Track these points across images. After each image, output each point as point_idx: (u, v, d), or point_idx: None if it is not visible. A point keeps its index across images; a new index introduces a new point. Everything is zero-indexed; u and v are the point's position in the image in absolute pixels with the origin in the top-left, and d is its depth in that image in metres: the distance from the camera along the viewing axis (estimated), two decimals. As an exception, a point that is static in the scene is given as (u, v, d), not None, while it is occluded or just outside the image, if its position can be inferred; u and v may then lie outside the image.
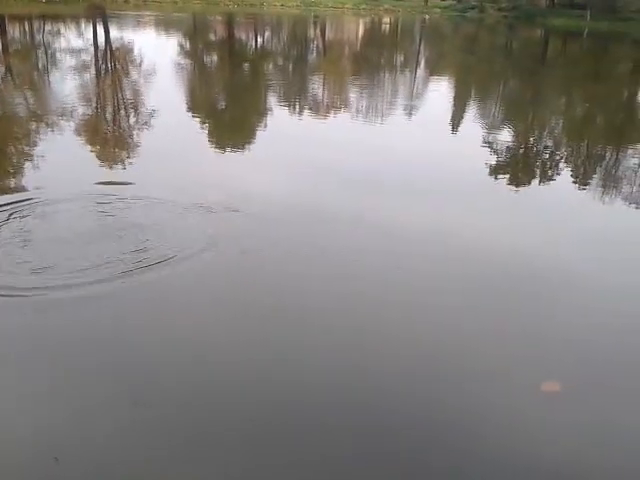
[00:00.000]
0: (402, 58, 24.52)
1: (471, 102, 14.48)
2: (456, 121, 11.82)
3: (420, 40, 33.57)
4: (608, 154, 9.71)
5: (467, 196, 6.71)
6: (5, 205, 5.45)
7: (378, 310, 4.18)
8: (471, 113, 12.78)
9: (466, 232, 5.62)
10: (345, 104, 12.81)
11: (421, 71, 20.47)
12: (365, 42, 31.33)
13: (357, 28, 39.95)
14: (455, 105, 13.72)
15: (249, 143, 8.95)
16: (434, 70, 20.88)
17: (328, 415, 3.14)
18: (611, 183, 7.92)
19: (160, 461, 2.81)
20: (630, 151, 9.71)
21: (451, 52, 27.55)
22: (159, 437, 2.95)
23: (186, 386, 3.31)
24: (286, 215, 5.77)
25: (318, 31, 35.17)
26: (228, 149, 8.52)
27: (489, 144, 9.53)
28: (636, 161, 8.93)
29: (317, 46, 27.15)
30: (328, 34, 34.30)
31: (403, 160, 8.10)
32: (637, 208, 6.80)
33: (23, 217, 5.22)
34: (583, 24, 40.94)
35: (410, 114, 11.97)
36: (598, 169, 8.71)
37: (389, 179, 7.17)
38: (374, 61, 22.67)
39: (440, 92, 15.44)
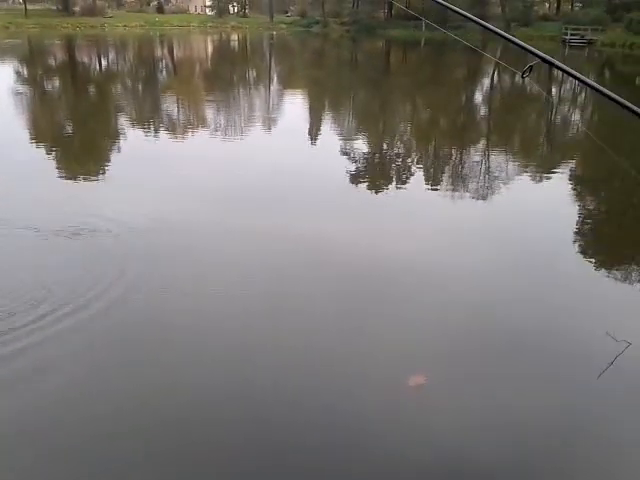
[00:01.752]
0: (254, 74, 24.76)
1: (325, 113, 14.93)
2: (314, 132, 12.11)
3: (270, 56, 34.11)
4: (453, 153, 10.44)
5: (328, 202, 6.91)
6: None
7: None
8: (327, 124, 13.17)
9: (326, 233, 5.79)
10: (202, 121, 12.68)
11: (274, 86, 20.79)
12: (216, 59, 31.28)
13: (206, 46, 39.79)
14: (311, 117, 14.06)
15: (103, 167, 8.56)
16: (287, 84, 21.26)
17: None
18: (457, 180, 8.51)
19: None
20: (471, 149, 10.51)
21: (301, 66, 28.23)
22: None
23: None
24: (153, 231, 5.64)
25: (166, 50, 34.55)
26: (81, 175, 8.07)
27: (346, 153, 9.87)
28: (477, 158, 9.69)
29: (166, 65, 26.66)
30: (177, 53, 33.83)
31: (265, 172, 8.15)
32: (481, 204, 7.37)
33: None
34: (419, 34, 43.74)
35: (268, 128, 12.08)
36: (445, 167, 9.35)
37: (252, 191, 7.20)
38: (227, 78, 22.66)
39: (295, 105, 15.75)
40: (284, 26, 56.04)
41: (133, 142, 10.26)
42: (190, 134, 11.25)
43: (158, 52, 33.45)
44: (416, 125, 13.58)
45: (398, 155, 10.17)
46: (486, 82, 22.99)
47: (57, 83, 19.81)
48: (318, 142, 11.05)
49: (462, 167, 9.29)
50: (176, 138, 10.86)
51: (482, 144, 11.12)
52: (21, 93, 16.40)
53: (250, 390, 3.47)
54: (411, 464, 2.98)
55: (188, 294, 4.55)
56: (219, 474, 2.93)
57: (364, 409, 3.32)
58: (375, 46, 42.28)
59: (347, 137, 11.45)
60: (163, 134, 11.11)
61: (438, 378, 3.65)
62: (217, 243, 5.62)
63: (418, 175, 8.73)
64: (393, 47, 40.99)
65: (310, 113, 14.69)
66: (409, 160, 9.75)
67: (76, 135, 11.18)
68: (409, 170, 9.05)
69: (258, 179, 7.82)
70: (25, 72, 21.91)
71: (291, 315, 4.36)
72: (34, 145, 10.06)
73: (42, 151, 9.59)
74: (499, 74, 23.57)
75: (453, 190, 7.88)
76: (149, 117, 13.22)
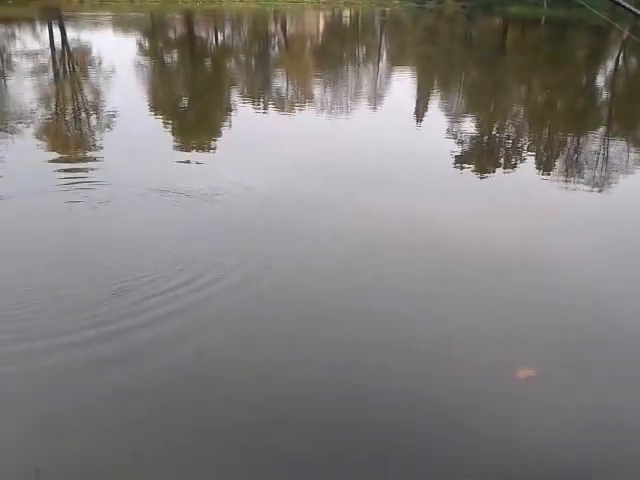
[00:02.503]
0: (364, 50, 24.58)
1: (434, 93, 14.60)
2: (421, 111, 11.92)
3: (381, 32, 33.69)
4: (569, 139, 9.90)
5: (433, 184, 6.80)
6: None
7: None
8: (435, 103, 12.89)
9: (430, 214, 5.72)
10: (309, 98, 12.80)
11: (383, 63, 20.56)
12: (326, 35, 31.32)
13: (318, 22, 39.89)
14: (419, 95, 13.82)
15: (214, 141, 8.90)
16: (396, 61, 20.98)
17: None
18: (574, 169, 8.08)
19: None
20: (591, 135, 9.92)
21: (411, 43, 27.70)
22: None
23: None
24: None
25: (279, 26, 35.03)
26: (194, 148, 8.42)
27: (454, 134, 9.63)
28: (596, 145, 9.13)
29: (278, 41, 27.06)
30: (289, 29, 34.19)
31: (370, 151, 8.13)
32: (597, 192, 6.96)
33: None
34: (540, 11, 41.53)
35: (375, 106, 12.03)
36: (560, 153, 8.89)
37: (357, 170, 7.21)
38: (336, 54, 22.67)
39: (403, 83, 15.51)
40: (397, 2, 55.00)
41: (243, 116, 10.53)
42: (297, 110, 11.42)
43: (271, 27, 33.97)
44: (530, 107, 12.99)
45: (508, 138, 9.79)
46: (610, 64, 21.50)
47: (175, 56, 20.67)
48: (425, 122, 10.88)
49: (578, 154, 8.80)
50: (284, 114, 11.07)
51: (602, 130, 10.46)
52: (142, 65, 17.27)
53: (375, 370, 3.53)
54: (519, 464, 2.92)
55: (309, 269, 4.68)
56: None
57: (470, 400, 3.29)
58: (491, 23, 40.62)
59: (455, 117, 11.16)
60: (272, 110, 11.34)
61: (548, 371, 3.54)
62: (323, 220, 5.65)
63: (529, 160, 8.36)
64: (511, 25, 39.18)
65: (418, 91, 14.43)
66: (520, 144, 9.36)
67: (191, 108, 11.67)
68: (519, 154, 8.69)
69: (363, 158, 7.82)
70: (146, 45, 22.99)
71: (395, 297, 4.34)
72: (152, 116, 10.62)
73: (159, 122, 10.11)
74: (625, 57, 21.99)
75: (566, 178, 7.50)
76: (259, 92, 13.53)
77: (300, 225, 5.51)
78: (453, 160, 7.98)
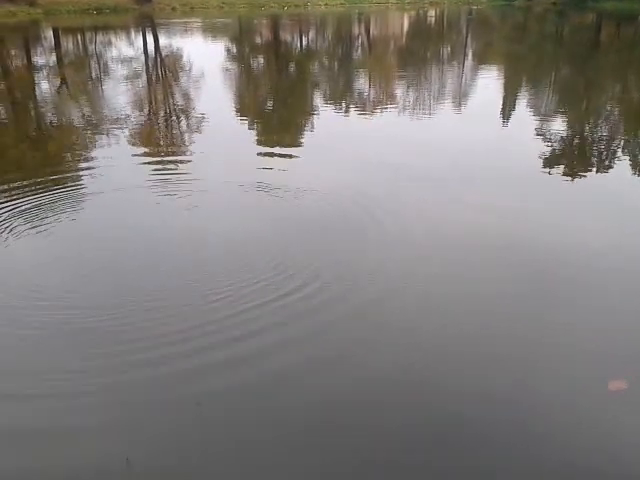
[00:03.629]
0: (449, 49, 24.18)
1: (523, 92, 14.15)
2: (507, 110, 11.59)
3: (467, 31, 33.04)
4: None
5: (518, 187, 6.60)
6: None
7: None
8: (522, 102, 12.49)
9: (513, 217, 5.55)
10: (391, 99, 12.73)
11: (469, 62, 20.14)
12: (410, 36, 31.06)
13: (402, 23, 39.64)
14: (505, 94, 13.45)
15: (298, 141, 9.03)
16: (482, 60, 20.49)
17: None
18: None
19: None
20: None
21: (500, 42, 26.98)
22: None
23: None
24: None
25: (362, 28, 35.07)
26: (278, 147, 8.58)
27: (542, 134, 9.30)
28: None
29: (362, 43, 27.08)
30: (373, 30, 34.16)
31: (453, 151, 8.00)
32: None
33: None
34: (637, 7, 39.39)
35: (459, 105, 11.81)
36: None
37: (440, 170, 7.11)
38: (420, 54, 22.46)
39: (489, 82, 15.13)
40: (484, 0, 53.82)
41: (326, 119, 10.62)
42: (380, 111, 11.40)
43: (355, 30, 34.06)
44: (626, 107, 12.34)
45: (601, 139, 9.34)
46: None
47: (261, 60, 21.14)
48: (511, 121, 10.57)
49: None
50: (366, 115, 11.07)
51: None
52: (229, 69, 17.79)
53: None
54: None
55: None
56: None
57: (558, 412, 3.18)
58: (584, 20, 38.90)
59: (544, 117, 10.76)
60: (354, 111, 11.39)
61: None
62: (405, 222, 5.60)
63: (623, 162, 7.94)
64: (605, 22, 37.38)
65: (505, 90, 14.04)
66: (613, 145, 8.91)
67: (276, 111, 11.91)
68: (613, 156, 8.28)
69: (447, 158, 7.71)
70: (234, 50, 23.64)
71: (475, 302, 4.25)
72: (238, 118, 10.93)
73: (245, 124, 10.39)
74: None
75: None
76: (342, 94, 13.60)
77: (402, 227, 5.47)
78: (542, 161, 7.71)
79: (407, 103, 12.19)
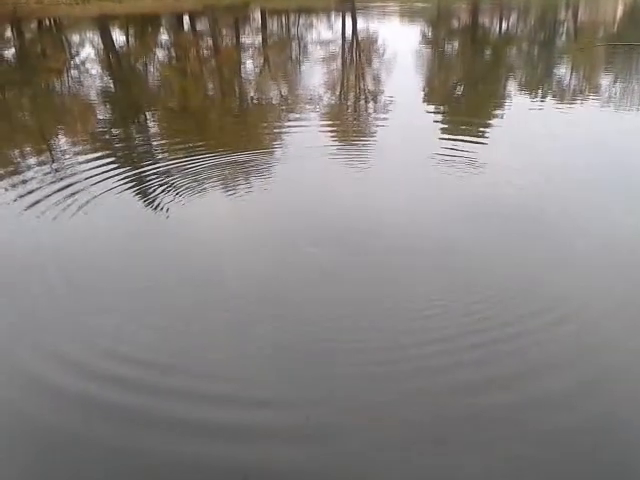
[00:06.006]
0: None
1: None
2: None
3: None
4: None
5: None
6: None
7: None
8: None
9: None
10: (596, 91, 11.81)
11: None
12: (624, 22, 28.34)
13: (615, 8, 36.25)
14: None
15: (484, 131, 8.82)
16: None
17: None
18: None
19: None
20: None
21: None
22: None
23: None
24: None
25: (570, 14, 32.72)
26: (464, 136, 8.45)
27: None
28: None
29: (567, 29, 25.31)
30: (581, 16, 31.71)
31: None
32: None
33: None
34: None
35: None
36: None
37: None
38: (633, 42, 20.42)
39: None
40: None
41: (516, 109, 10.19)
42: (579, 103, 10.66)
43: (561, 15, 31.90)
44: None
45: None
46: None
47: (456, 44, 20.73)
48: None
49: None
50: (563, 106, 10.42)
51: None
52: (423, 53, 17.71)
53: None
54: None
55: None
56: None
57: None
58: None
59: None
60: (550, 101, 10.78)
61: None
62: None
63: None
64: None
65: None
66: None
67: (465, 97, 11.69)
68: None
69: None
70: (429, 34, 23.43)
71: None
72: (426, 104, 10.91)
73: (431, 109, 10.35)
74: None
75: None
76: (538, 82, 12.91)
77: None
78: None
79: (612, 96, 11.23)
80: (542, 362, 3.39)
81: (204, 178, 6.41)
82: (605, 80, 12.96)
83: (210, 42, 21.07)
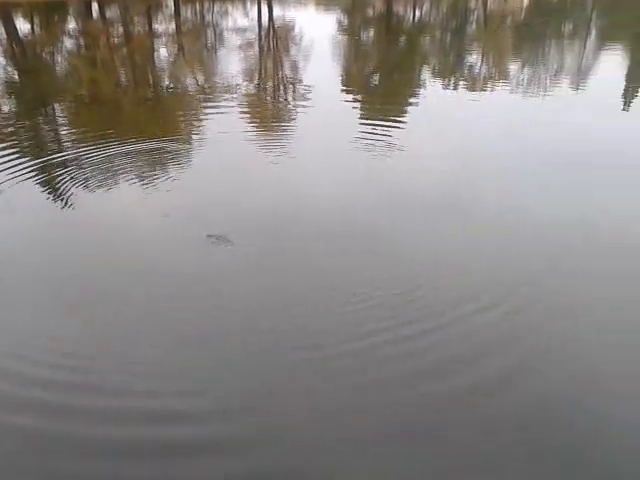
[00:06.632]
0: (571, 27, 22.78)
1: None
2: (629, 95, 10.83)
3: (593, 7, 30.92)
4: None
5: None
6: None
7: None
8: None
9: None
10: (505, 77, 12.23)
11: (592, 41, 18.91)
12: (531, 11, 29.53)
13: (522, -3, 37.65)
14: (629, 77, 12.55)
15: (400, 119, 8.95)
16: (607, 39, 19.16)
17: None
18: None
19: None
20: None
21: (630, 19, 25.06)
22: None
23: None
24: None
25: (480, 2, 33.72)
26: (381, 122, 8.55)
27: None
28: None
29: (477, 17, 26.10)
30: (490, 4, 32.76)
31: (563, 136, 7.61)
32: None
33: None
34: None
35: (576, 87, 11.17)
36: None
37: (545, 155, 6.81)
38: (538, 31, 21.31)
39: (613, 63, 14.15)
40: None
41: (431, 95, 10.41)
42: (490, 89, 11.01)
43: (472, 4, 32.84)
44: None
45: None
46: None
47: (372, 33, 20.95)
48: (634, 104, 9.86)
49: None
50: (475, 93, 10.73)
51: None
52: (340, 41, 17.78)
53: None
54: None
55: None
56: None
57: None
58: None
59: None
60: (462, 88, 11.07)
61: None
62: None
63: None
64: None
65: (629, 72, 13.09)
66: None
67: (381, 84, 11.82)
68: None
69: (557, 140, 7.36)
70: (345, 21, 23.57)
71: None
72: (345, 91, 10.95)
73: (349, 97, 10.40)
74: None
75: None
76: (450, 70, 13.24)
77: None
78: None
79: (520, 81, 11.67)
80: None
81: (115, 166, 6.18)
82: (514, 66, 13.46)
83: (121, 30, 20.32)
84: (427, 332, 3.54)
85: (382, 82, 11.98)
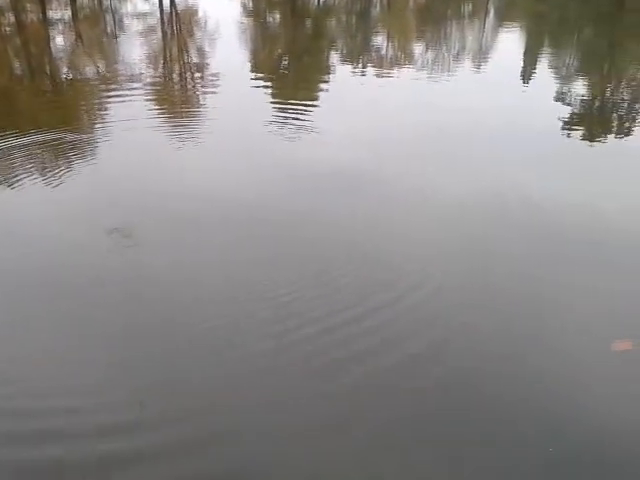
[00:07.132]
0: (470, 7, 23.49)
1: (543, 51, 13.79)
2: (528, 72, 11.34)
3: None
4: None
5: (535, 150, 6.51)
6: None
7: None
8: (544, 63, 12.19)
9: (530, 184, 5.49)
10: (411, 58, 12.47)
11: (490, 20, 19.59)
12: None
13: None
14: (527, 56, 13.13)
15: (312, 101, 8.94)
16: (505, 19, 19.93)
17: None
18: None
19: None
20: None
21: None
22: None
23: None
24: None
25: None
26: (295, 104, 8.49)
27: (562, 96, 9.12)
28: None
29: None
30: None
31: (469, 114, 7.86)
32: None
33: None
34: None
35: (478, 66, 11.56)
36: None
37: (452, 133, 7.02)
38: (440, 12, 21.83)
39: (511, 42, 14.72)
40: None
41: (341, 78, 10.45)
42: (397, 70, 11.20)
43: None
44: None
45: (623, 101, 9.13)
46: None
47: (277, 16, 20.72)
48: (532, 83, 10.33)
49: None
50: (383, 74, 10.88)
51: None
52: (245, 25, 17.48)
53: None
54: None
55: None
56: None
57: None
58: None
59: (565, 79, 10.53)
60: (371, 70, 11.20)
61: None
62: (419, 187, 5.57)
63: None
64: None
65: (526, 51, 13.70)
66: (637, 108, 8.71)
67: (290, 68, 11.74)
68: (635, 120, 8.11)
69: (462, 120, 7.57)
70: (250, 4, 23.18)
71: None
72: (254, 76, 10.79)
73: (260, 82, 10.26)
74: None
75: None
76: (358, 53, 13.36)
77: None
78: (560, 124, 7.57)
79: (425, 62, 11.94)
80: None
81: (12, 160, 5.81)
82: (418, 48, 13.74)
83: (13, 18, 19.05)
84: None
85: (291, 66, 11.90)
